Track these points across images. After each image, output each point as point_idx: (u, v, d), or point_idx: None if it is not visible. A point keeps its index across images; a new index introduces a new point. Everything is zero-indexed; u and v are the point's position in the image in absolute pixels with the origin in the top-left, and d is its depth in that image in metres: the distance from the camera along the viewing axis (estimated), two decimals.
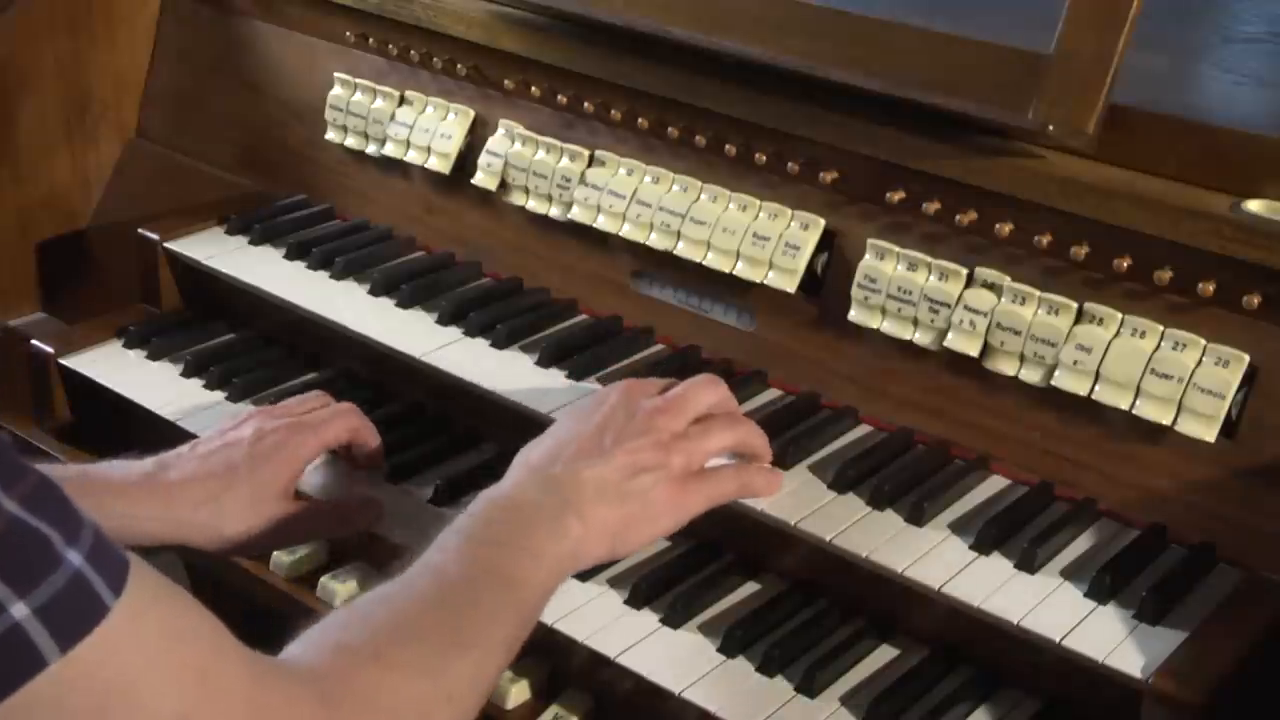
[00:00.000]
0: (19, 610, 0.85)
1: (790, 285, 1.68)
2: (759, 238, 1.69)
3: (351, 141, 2.09)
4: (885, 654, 1.47)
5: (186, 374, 1.89)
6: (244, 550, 1.62)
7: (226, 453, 1.50)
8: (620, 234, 1.80)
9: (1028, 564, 1.39)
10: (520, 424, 1.59)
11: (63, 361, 1.92)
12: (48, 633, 0.86)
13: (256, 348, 1.98)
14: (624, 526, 1.36)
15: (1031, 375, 1.52)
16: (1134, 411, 1.45)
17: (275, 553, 1.65)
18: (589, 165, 1.85)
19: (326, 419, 1.59)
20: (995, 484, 1.54)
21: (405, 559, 1.25)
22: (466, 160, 1.98)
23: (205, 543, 1.47)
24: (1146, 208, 1.46)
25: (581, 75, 1.86)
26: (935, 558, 1.41)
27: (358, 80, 2.08)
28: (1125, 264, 1.47)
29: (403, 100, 2.05)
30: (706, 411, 1.47)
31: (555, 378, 1.70)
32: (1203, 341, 1.43)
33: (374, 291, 1.88)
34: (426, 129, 2.00)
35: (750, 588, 1.55)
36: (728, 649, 1.44)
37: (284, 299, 1.90)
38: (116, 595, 0.90)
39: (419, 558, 1.25)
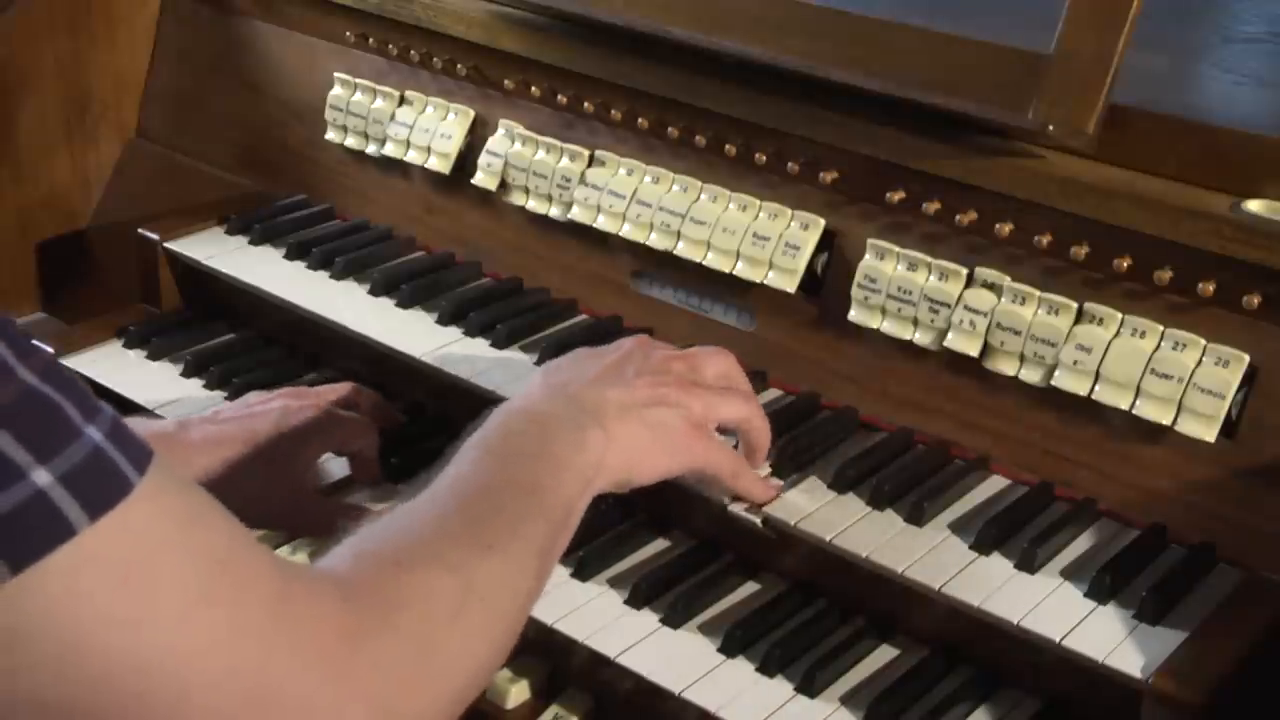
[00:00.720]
0: (42, 477, 0.83)
1: (790, 285, 1.68)
2: (759, 238, 1.69)
3: (351, 141, 2.09)
4: (885, 654, 1.47)
5: (186, 374, 1.89)
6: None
7: (250, 422, 1.51)
8: (620, 234, 1.80)
9: (1028, 564, 1.39)
10: None
11: (62, 362, 1.92)
12: (75, 501, 0.84)
13: (256, 348, 1.98)
14: (645, 447, 1.36)
15: (1031, 375, 1.52)
16: (1134, 411, 1.45)
17: (276, 551, 1.65)
18: (589, 165, 1.85)
19: (354, 422, 1.59)
20: (995, 484, 1.54)
21: (424, 478, 1.22)
22: (466, 160, 1.98)
23: None
24: (1146, 208, 1.46)
25: (581, 75, 1.86)
26: (935, 558, 1.41)
27: (358, 80, 2.08)
28: (1125, 264, 1.47)
29: (403, 100, 2.05)
30: (718, 378, 1.49)
31: None
32: (1203, 341, 1.43)
33: (374, 291, 1.88)
34: (426, 129, 2.00)
35: (750, 588, 1.55)
36: (728, 649, 1.44)
37: (284, 299, 1.90)
38: (140, 475, 0.89)
39: (438, 474, 1.23)
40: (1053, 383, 1.50)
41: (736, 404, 1.47)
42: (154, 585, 0.89)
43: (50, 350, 0.89)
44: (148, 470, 0.89)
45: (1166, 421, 1.43)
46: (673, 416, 1.39)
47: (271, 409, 1.53)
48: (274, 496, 1.50)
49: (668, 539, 1.61)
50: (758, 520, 1.48)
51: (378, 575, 1.06)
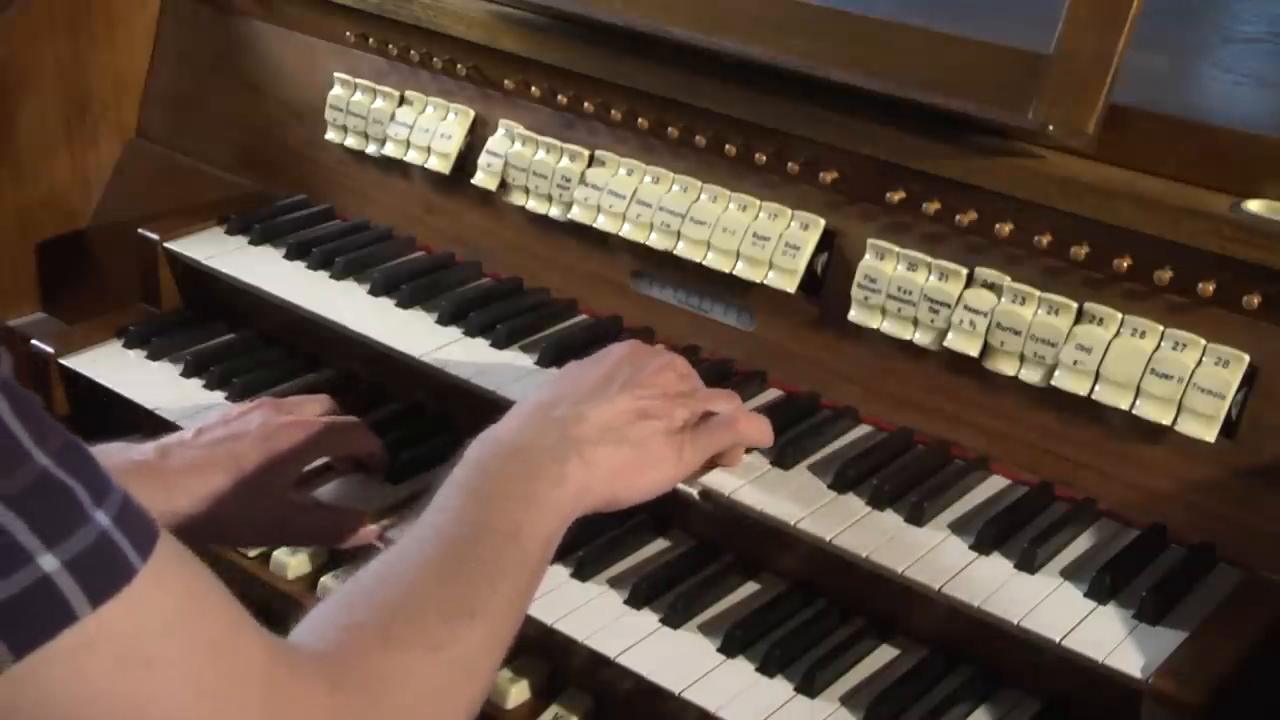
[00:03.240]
0: (48, 562, 0.84)
1: (790, 285, 1.68)
2: (759, 238, 1.69)
3: (351, 141, 2.09)
4: (885, 654, 1.47)
5: (186, 374, 1.89)
6: (238, 543, 1.62)
7: (231, 444, 1.50)
8: (620, 234, 1.80)
9: (1028, 564, 1.39)
10: None
11: (63, 361, 1.93)
12: (79, 587, 0.85)
13: (256, 348, 1.99)
14: (627, 470, 1.36)
15: (1031, 375, 1.52)
16: (1134, 411, 1.45)
17: (276, 552, 1.66)
18: (589, 165, 1.85)
19: (332, 425, 1.58)
20: (995, 484, 1.54)
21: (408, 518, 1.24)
22: (466, 160, 1.98)
23: (201, 534, 1.46)
24: (1146, 208, 1.46)
25: (581, 75, 1.86)
26: (935, 558, 1.41)
27: (358, 80, 2.08)
28: (1125, 264, 1.47)
29: (403, 100, 2.05)
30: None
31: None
32: (1203, 341, 1.43)
33: (374, 291, 1.88)
34: (426, 129, 2.00)
35: (750, 588, 1.55)
36: (728, 649, 1.44)
37: (284, 299, 1.90)
38: (144, 559, 0.89)
39: (420, 517, 1.24)
40: (1053, 383, 1.50)
41: (723, 402, 1.49)
42: (151, 669, 0.90)
43: (65, 431, 0.90)
44: (152, 553, 0.90)
45: (1166, 421, 1.43)
46: (654, 430, 1.39)
47: (251, 427, 1.52)
48: (262, 513, 1.49)
49: (668, 539, 1.62)
50: (695, 493, 1.48)
51: (364, 655, 1.08)
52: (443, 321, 1.81)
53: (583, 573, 1.53)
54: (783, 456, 1.53)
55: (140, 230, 2.04)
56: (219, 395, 1.85)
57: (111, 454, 1.45)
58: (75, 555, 0.85)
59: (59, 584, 0.85)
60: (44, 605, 0.84)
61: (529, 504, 1.27)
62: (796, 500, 1.49)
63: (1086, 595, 1.36)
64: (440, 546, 1.20)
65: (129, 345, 1.96)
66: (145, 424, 1.80)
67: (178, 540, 0.95)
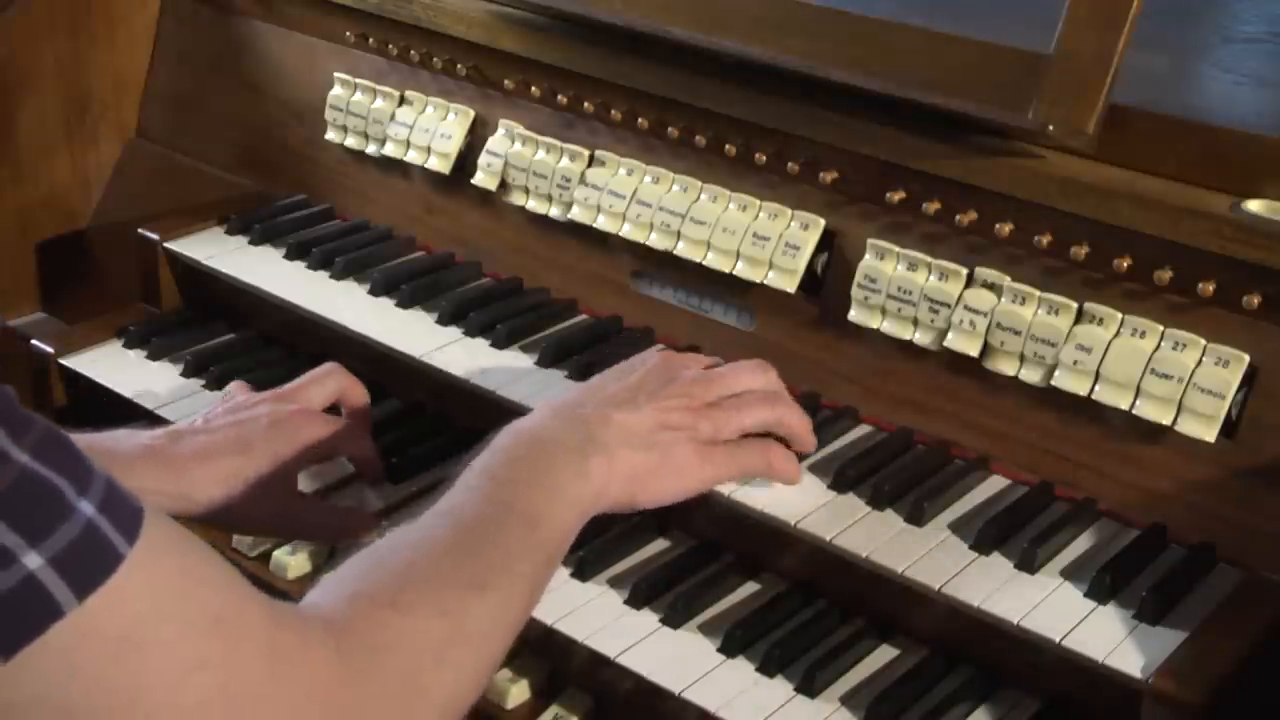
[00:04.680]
0: (32, 560, 0.84)
1: (790, 285, 1.68)
2: (759, 238, 1.69)
3: (351, 141, 2.09)
4: (885, 654, 1.47)
5: (186, 374, 1.89)
6: (246, 531, 1.63)
7: (240, 430, 1.51)
8: (620, 234, 1.80)
9: (1028, 564, 1.39)
10: None
11: (63, 361, 1.93)
12: (64, 582, 0.85)
13: (256, 348, 1.99)
14: (648, 474, 1.37)
15: (1031, 375, 1.52)
16: (1134, 411, 1.45)
17: (276, 552, 1.66)
18: (589, 165, 1.85)
19: (339, 424, 1.59)
20: (995, 484, 1.54)
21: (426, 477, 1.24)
22: (466, 160, 1.98)
23: (210, 519, 1.47)
24: (1146, 208, 1.46)
25: (581, 75, 1.86)
26: (935, 558, 1.41)
27: (358, 80, 2.08)
28: (1125, 264, 1.47)
29: (403, 100, 2.05)
30: (745, 390, 1.49)
31: (555, 378, 1.70)
32: (1203, 341, 1.43)
33: (374, 291, 1.88)
34: (426, 129, 2.00)
35: (750, 588, 1.55)
36: (728, 649, 1.44)
37: (284, 299, 1.90)
38: (130, 543, 0.89)
39: (442, 496, 1.24)
40: (1053, 383, 1.50)
41: (758, 410, 1.47)
42: (146, 655, 0.90)
43: (43, 421, 0.90)
44: (139, 536, 0.90)
45: (1166, 421, 1.43)
46: (677, 440, 1.40)
47: (259, 415, 1.52)
48: (269, 502, 1.50)
49: (668, 539, 1.61)
50: None
51: (370, 618, 1.07)
52: (443, 321, 1.81)
53: (583, 573, 1.53)
54: None
55: (140, 230, 2.04)
56: (219, 395, 1.85)
57: (122, 439, 1.47)
58: (59, 550, 0.85)
59: (44, 581, 0.84)
60: (30, 603, 0.84)
61: (550, 493, 1.27)
62: (796, 500, 1.49)
63: (1086, 595, 1.36)
64: (459, 522, 1.20)
65: (129, 345, 1.96)
66: (145, 424, 1.80)
67: (168, 517, 0.95)
